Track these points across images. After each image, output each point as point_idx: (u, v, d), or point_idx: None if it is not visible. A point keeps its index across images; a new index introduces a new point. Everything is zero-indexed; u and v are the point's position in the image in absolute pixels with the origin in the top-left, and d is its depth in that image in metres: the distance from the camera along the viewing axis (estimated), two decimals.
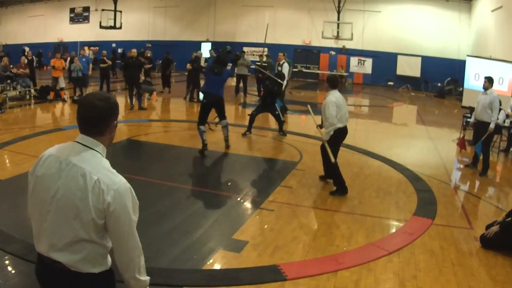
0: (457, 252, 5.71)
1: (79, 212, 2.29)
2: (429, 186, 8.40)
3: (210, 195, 7.41)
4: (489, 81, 9.52)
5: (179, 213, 6.55)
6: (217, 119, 10.10)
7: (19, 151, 9.33)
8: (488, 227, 6.01)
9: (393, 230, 6.43)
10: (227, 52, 11.32)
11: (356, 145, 10.62)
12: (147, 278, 2.52)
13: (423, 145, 12.51)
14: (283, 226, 6.24)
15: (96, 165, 2.34)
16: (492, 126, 9.31)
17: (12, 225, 5.73)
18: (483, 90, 9.63)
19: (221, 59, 9.94)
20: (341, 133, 7.64)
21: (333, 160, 7.42)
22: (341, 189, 7.69)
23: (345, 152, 10.42)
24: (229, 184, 8.11)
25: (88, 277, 2.40)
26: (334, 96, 7.51)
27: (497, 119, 9.61)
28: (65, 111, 14.97)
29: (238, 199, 7.34)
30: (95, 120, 2.38)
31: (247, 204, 7.21)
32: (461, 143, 10.53)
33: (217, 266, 5.10)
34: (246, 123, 13.86)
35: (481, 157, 9.58)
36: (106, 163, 2.40)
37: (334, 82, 7.72)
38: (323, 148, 7.85)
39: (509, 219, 5.90)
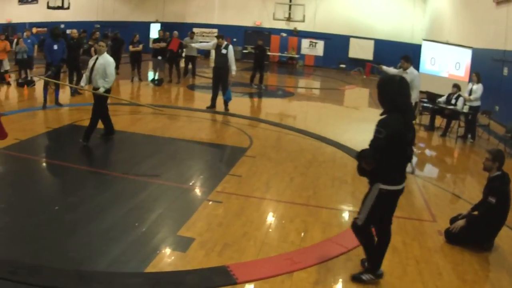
0: (421, 248, 5.29)
1: None
2: None
3: (154, 185, 6.76)
4: (406, 60, 9.20)
5: (121, 206, 5.92)
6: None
7: None
8: (452, 220, 5.61)
9: None
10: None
11: (308, 130, 10.09)
12: None
13: None
14: (232, 221, 5.69)
15: None
16: None
17: None
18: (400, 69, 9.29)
19: (54, 33, 12.21)
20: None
21: None
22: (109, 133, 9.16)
23: (297, 137, 9.89)
24: (174, 173, 7.48)
25: None
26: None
27: (416, 98, 9.30)
28: (10, 94, 13.84)
29: (184, 189, 6.78)
30: None
31: (194, 196, 6.66)
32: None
33: (161, 268, 4.51)
34: (194, 106, 13.21)
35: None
36: None
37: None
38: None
39: (475, 212, 5.51)
